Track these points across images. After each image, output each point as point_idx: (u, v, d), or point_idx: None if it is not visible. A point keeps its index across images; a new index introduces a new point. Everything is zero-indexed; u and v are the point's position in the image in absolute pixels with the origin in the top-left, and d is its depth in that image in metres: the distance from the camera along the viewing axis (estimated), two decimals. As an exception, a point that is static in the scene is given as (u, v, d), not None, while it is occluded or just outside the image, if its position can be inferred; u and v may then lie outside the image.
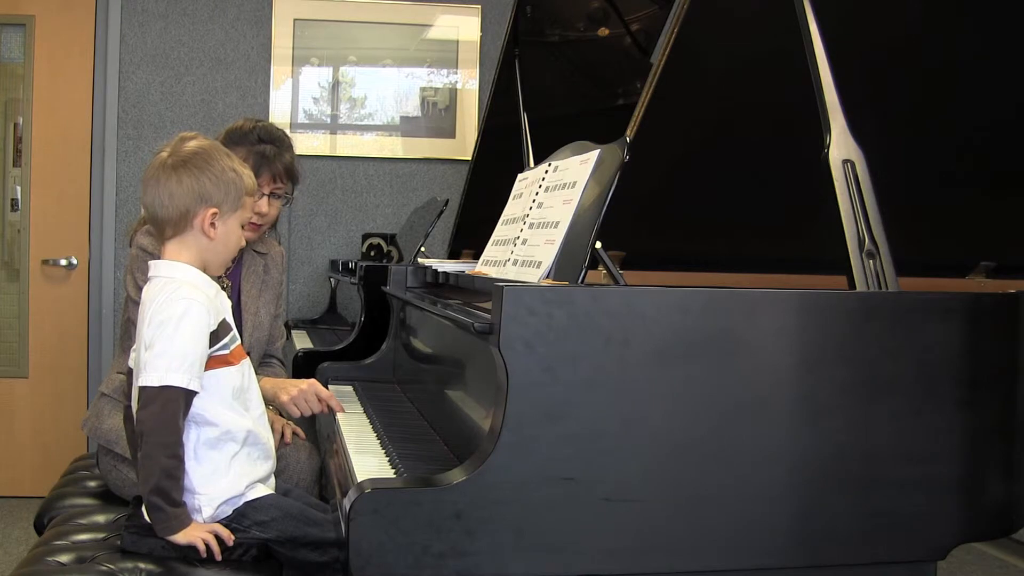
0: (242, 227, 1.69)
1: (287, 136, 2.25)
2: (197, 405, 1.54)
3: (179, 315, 1.53)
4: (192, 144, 1.63)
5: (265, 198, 2.19)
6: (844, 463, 1.39)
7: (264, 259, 2.31)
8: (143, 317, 1.58)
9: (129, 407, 1.65)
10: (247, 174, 1.68)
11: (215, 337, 1.57)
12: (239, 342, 1.65)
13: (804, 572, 1.41)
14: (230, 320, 1.64)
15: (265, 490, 1.63)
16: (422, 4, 4.07)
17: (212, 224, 1.61)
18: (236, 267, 2.30)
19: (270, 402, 1.96)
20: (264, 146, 2.17)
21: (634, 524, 1.33)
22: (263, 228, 2.25)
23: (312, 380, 2.07)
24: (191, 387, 1.52)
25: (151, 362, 1.51)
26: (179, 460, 1.52)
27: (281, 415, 2.09)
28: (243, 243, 1.72)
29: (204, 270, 1.64)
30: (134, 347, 1.63)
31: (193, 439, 1.55)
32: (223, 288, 2.22)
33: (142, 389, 1.51)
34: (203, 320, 1.55)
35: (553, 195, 1.69)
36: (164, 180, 1.60)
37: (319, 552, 1.59)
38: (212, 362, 1.57)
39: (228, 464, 1.57)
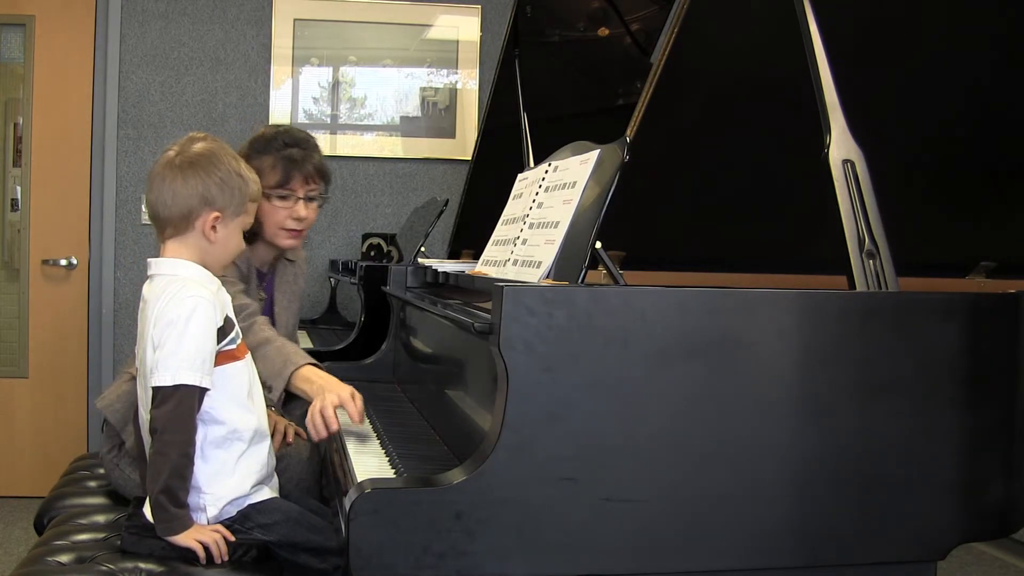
0: (243, 233, 1.68)
1: (312, 137, 2.24)
2: (205, 403, 1.55)
3: (187, 314, 1.53)
4: (200, 145, 1.63)
5: (301, 202, 2.17)
6: (844, 463, 1.39)
7: (294, 267, 2.31)
8: (147, 316, 1.58)
9: (138, 408, 1.65)
10: (253, 179, 1.67)
11: (221, 333, 1.58)
12: (242, 338, 1.65)
13: (804, 572, 1.41)
14: (232, 315, 1.64)
15: (270, 493, 1.64)
16: (422, 4, 4.07)
17: (213, 227, 1.61)
18: (270, 277, 2.29)
19: (306, 388, 1.85)
20: (291, 150, 2.15)
21: (634, 524, 1.33)
22: (303, 233, 2.23)
23: (348, 389, 1.81)
24: (203, 384, 1.52)
25: (163, 362, 1.51)
26: (189, 460, 1.52)
27: (282, 415, 2.09)
28: (243, 246, 1.71)
29: None
30: (138, 347, 1.63)
31: (201, 438, 1.55)
32: (258, 300, 2.22)
33: (156, 389, 1.51)
34: (211, 317, 1.55)
35: (553, 195, 1.69)
36: (169, 179, 1.59)
37: (320, 559, 1.59)
38: (220, 358, 1.57)
39: (235, 464, 1.58)
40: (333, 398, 1.77)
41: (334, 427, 1.75)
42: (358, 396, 1.81)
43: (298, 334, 3.49)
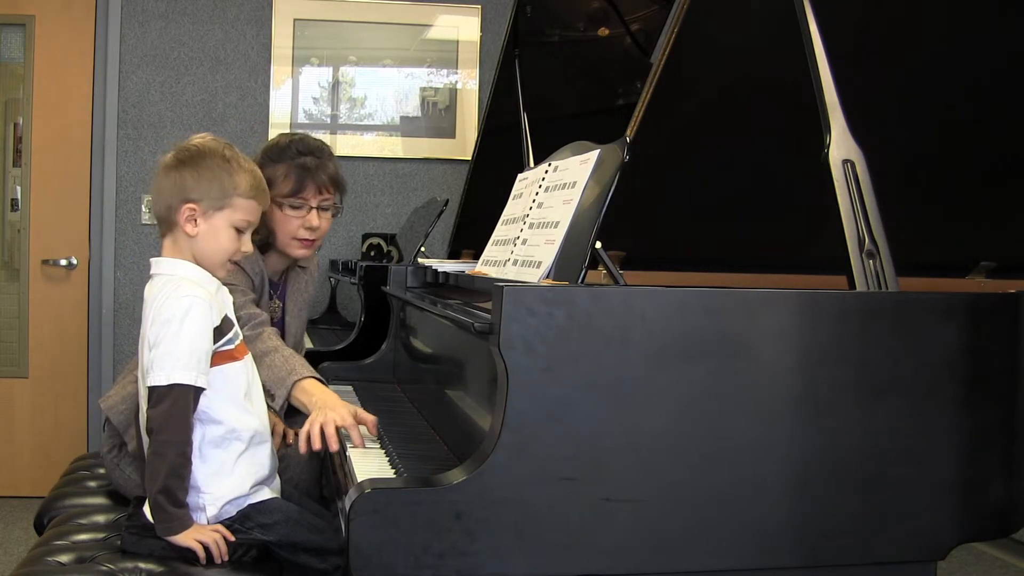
0: (238, 231, 1.64)
1: (326, 146, 2.20)
2: (202, 403, 1.55)
3: (182, 313, 1.53)
4: (193, 142, 1.64)
5: (314, 211, 2.13)
6: (844, 463, 1.39)
7: (305, 275, 2.30)
8: (146, 316, 1.58)
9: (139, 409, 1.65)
10: (247, 176, 1.64)
11: (219, 333, 1.58)
12: (241, 338, 1.65)
13: (804, 572, 1.41)
14: (231, 316, 1.64)
15: (270, 494, 1.64)
16: (422, 4, 4.07)
17: (191, 221, 1.60)
18: (282, 286, 2.28)
19: (305, 400, 1.84)
20: (304, 158, 2.12)
21: (634, 524, 1.33)
22: (316, 243, 2.19)
23: (351, 410, 1.76)
24: (199, 384, 1.53)
25: (158, 361, 1.51)
26: (187, 459, 1.52)
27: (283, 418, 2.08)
28: (246, 248, 1.68)
29: None
30: (140, 347, 1.63)
31: (198, 437, 1.55)
32: (272, 310, 2.21)
33: (152, 388, 1.52)
34: (206, 317, 1.55)
35: (553, 195, 1.69)
36: (159, 176, 1.62)
37: (320, 559, 1.59)
38: (217, 358, 1.57)
39: (233, 464, 1.58)
40: (336, 417, 1.70)
41: (334, 447, 1.67)
42: (364, 415, 1.75)
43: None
